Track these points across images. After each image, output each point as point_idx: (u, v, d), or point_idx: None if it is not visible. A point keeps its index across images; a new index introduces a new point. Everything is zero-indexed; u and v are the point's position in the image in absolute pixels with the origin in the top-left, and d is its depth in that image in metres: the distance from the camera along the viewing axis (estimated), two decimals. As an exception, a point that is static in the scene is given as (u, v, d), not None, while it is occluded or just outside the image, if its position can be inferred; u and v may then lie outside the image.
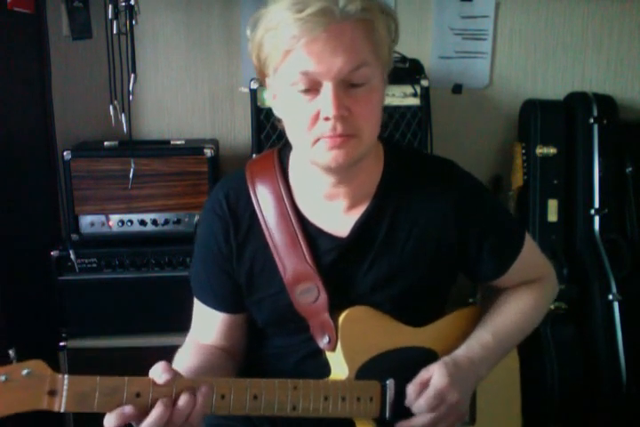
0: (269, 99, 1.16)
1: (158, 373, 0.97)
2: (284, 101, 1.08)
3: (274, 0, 1.03)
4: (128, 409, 0.94)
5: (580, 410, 2.23)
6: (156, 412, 0.95)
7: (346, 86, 1.02)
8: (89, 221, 2.11)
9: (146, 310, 2.07)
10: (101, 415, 0.96)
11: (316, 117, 1.03)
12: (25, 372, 0.91)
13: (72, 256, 2.05)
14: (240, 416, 1.27)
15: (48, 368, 0.93)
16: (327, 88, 1.01)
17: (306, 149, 1.08)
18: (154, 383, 0.96)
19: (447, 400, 1.10)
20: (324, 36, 0.98)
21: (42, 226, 2.32)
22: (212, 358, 1.18)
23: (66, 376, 0.92)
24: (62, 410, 0.92)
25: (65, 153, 2.07)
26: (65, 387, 0.92)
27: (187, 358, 1.16)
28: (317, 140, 1.05)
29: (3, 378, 0.89)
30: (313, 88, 1.02)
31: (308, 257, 1.14)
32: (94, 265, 2.08)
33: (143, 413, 0.95)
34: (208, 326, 1.24)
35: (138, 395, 0.95)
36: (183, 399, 0.96)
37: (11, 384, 0.89)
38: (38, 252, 2.11)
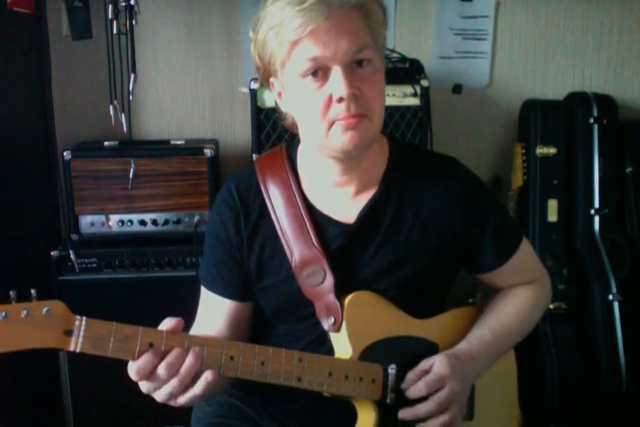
0: (274, 98, 1.20)
1: (167, 324, 1.01)
2: (294, 94, 1.12)
3: (271, 1, 1.08)
4: (156, 351, 0.98)
5: (579, 410, 2.23)
6: (143, 358, 0.97)
7: (352, 68, 1.07)
8: (89, 221, 2.11)
9: (146, 310, 2.05)
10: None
11: (329, 102, 1.07)
12: (45, 309, 0.93)
13: (72, 256, 2.05)
14: (241, 415, 1.28)
15: (67, 309, 0.95)
16: (336, 71, 1.06)
17: (321, 138, 1.11)
18: (166, 336, 0.99)
19: (447, 386, 1.12)
20: (326, 23, 1.03)
21: (42, 226, 2.32)
22: None
23: (84, 318, 0.96)
24: (78, 350, 0.95)
25: (65, 153, 2.07)
26: (82, 328, 0.95)
27: None
28: (332, 124, 1.09)
29: (24, 313, 0.91)
30: (322, 74, 1.07)
31: (315, 242, 1.17)
32: (94, 265, 2.08)
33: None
34: (213, 315, 1.25)
35: (151, 345, 0.98)
36: (174, 353, 0.99)
37: (30, 320, 0.92)
38: (38, 252, 2.11)
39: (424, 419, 1.12)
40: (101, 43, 2.15)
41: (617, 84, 2.56)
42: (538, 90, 2.55)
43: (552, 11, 2.50)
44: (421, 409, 1.11)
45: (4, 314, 0.90)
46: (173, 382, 0.99)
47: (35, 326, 0.92)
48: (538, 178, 2.36)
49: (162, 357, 0.98)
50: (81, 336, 0.94)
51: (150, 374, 0.98)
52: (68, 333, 0.94)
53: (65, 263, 2.07)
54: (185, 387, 1.00)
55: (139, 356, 0.97)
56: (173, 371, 0.98)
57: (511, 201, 2.40)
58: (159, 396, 1.02)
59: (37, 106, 2.31)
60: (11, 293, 0.93)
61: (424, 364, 1.15)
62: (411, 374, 1.14)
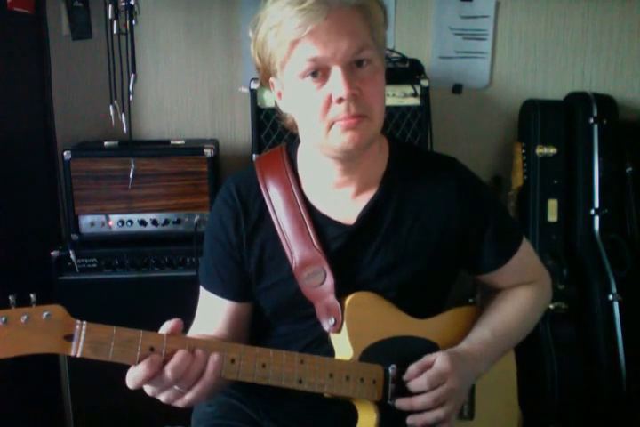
0: (274, 98, 1.20)
1: (167, 327, 1.00)
2: (294, 94, 1.12)
3: (271, 1, 1.08)
4: (156, 357, 0.96)
5: (580, 410, 2.23)
6: (143, 366, 0.96)
7: (352, 69, 1.07)
8: (89, 221, 2.11)
9: (146, 310, 2.05)
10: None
11: (329, 102, 1.07)
12: (45, 314, 0.92)
13: (72, 256, 2.05)
14: (241, 416, 1.28)
15: (67, 313, 0.95)
16: (336, 71, 1.06)
17: (321, 138, 1.11)
18: (167, 339, 0.98)
19: (448, 383, 1.12)
20: (326, 23, 1.03)
21: (42, 226, 2.32)
22: None
23: (84, 322, 0.95)
24: (79, 355, 0.94)
25: (65, 153, 2.07)
26: (83, 333, 0.94)
27: None
28: (332, 124, 1.09)
29: (24, 318, 0.91)
30: (322, 74, 1.07)
31: (315, 242, 1.17)
32: (94, 265, 2.08)
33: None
34: (213, 315, 1.25)
35: (152, 349, 0.97)
36: (179, 355, 0.98)
37: (30, 325, 0.91)
38: (38, 252, 2.11)
39: (419, 412, 1.12)
40: (101, 43, 2.15)
41: (617, 84, 2.56)
42: (538, 90, 2.55)
43: (552, 11, 2.50)
44: (418, 401, 1.12)
45: (3, 319, 0.89)
46: (180, 383, 0.99)
47: (35, 331, 0.91)
48: (538, 178, 2.36)
49: (163, 361, 0.97)
50: (81, 341, 0.94)
51: (152, 380, 0.97)
52: (69, 337, 0.93)
53: (65, 263, 2.07)
54: (190, 386, 1.00)
55: (139, 360, 0.96)
56: (180, 373, 0.97)
57: (511, 201, 2.40)
58: (164, 397, 1.01)
59: (37, 106, 2.31)
60: (10, 297, 0.92)
61: (427, 358, 1.15)
62: (413, 367, 1.14)
